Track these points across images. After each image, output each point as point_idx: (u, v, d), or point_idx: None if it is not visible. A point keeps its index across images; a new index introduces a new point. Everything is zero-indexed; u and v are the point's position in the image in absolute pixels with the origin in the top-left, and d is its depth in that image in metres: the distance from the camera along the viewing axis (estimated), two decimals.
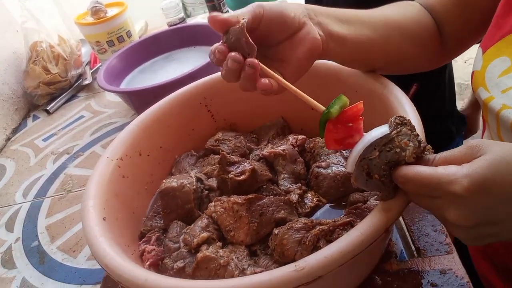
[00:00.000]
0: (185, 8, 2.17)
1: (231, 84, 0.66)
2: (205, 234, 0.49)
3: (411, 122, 0.36)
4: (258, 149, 0.63)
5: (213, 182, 0.59)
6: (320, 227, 0.45)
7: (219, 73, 0.69)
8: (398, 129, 0.35)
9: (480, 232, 0.33)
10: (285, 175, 0.57)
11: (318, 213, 0.53)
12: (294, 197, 0.53)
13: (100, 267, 0.64)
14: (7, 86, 1.11)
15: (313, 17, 0.46)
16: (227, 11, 1.14)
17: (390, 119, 0.37)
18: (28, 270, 0.67)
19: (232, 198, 0.51)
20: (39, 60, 1.11)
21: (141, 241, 0.53)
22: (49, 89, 1.12)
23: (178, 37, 1.05)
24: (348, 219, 0.45)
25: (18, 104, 1.13)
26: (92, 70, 1.22)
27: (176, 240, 0.51)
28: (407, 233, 0.54)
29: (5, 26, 1.14)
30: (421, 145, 0.35)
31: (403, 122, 0.36)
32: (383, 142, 0.36)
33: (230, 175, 0.54)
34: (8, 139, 1.05)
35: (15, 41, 1.16)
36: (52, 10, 1.25)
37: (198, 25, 1.05)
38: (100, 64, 1.22)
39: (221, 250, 0.47)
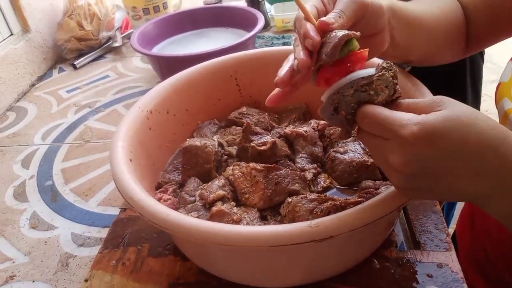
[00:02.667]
0: None
1: (263, 63, 0.70)
2: (221, 192, 0.52)
3: (397, 71, 0.37)
4: (280, 128, 0.66)
5: (232, 151, 0.62)
6: (332, 202, 0.47)
7: (253, 50, 0.72)
8: (381, 73, 0.36)
9: (417, 184, 0.34)
10: (303, 155, 0.60)
11: (328, 194, 0.56)
12: (308, 175, 0.56)
13: (108, 213, 0.67)
14: (39, 34, 1.13)
15: (390, 21, 0.46)
16: (263, 1, 1.17)
17: (379, 63, 0.38)
18: (40, 205, 0.69)
19: (251, 164, 0.53)
20: (75, 15, 1.14)
21: (158, 191, 0.56)
22: (80, 44, 1.15)
23: (213, 16, 1.08)
24: (359, 199, 0.48)
25: (46, 54, 1.16)
26: (122, 35, 1.25)
27: (192, 194, 0.54)
28: (409, 228, 0.56)
29: None
30: (395, 94, 0.37)
31: (389, 67, 0.37)
32: (362, 83, 0.37)
33: (252, 144, 0.56)
34: (33, 85, 1.08)
35: None
36: None
37: (234, 8, 1.08)
38: (132, 30, 1.25)
39: (235, 208, 0.50)
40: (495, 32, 0.58)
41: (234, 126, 0.67)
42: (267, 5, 1.23)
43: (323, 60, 0.38)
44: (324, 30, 0.40)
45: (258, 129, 0.60)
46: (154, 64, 0.93)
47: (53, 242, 0.62)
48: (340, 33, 0.38)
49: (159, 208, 0.41)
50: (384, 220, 0.40)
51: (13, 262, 0.60)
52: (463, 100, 0.92)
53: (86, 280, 0.53)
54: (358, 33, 0.38)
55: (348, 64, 0.38)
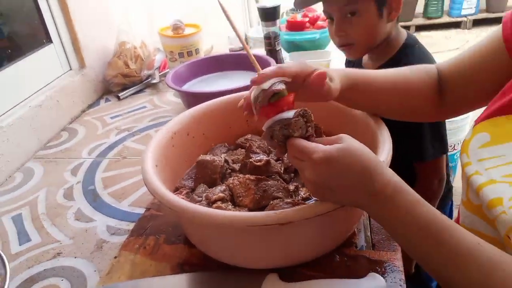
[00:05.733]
0: (247, 41, 2.44)
1: None
2: (221, 194, 0.67)
3: (311, 116, 0.54)
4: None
5: (236, 167, 0.78)
6: (303, 205, 0.62)
7: None
8: (297, 119, 0.54)
9: (322, 191, 0.50)
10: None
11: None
12: (291, 187, 0.71)
13: (136, 212, 0.83)
14: (93, 70, 1.37)
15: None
16: (280, 49, 1.37)
17: (298, 109, 0.54)
18: (83, 203, 0.87)
19: (247, 176, 0.69)
20: (122, 56, 1.37)
21: (175, 192, 0.72)
22: (124, 80, 1.37)
23: (236, 61, 1.28)
24: None
25: (96, 87, 1.38)
26: (160, 74, 1.47)
27: (200, 196, 0.70)
28: (369, 234, 0.70)
29: (102, 26, 1.42)
30: (307, 134, 0.54)
31: (304, 114, 0.54)
32: (284, 123, 0.54)
33: (251, 160, 0.73)
34: (84, 111, 1.30)
35: (107, 37, 1.43)
36: (142, 20, 1.53)
37: (253, 55, 1.27)
38: (168, 70, 1.47)
39: (230, 206, 0.66)
40: (468, 100, 0.67)
41: (240, 149, 0.84)
42: (284, 53, 1.43)
43: (258, 104, 0.56)
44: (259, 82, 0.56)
45: (258, 150, 0.77)
46: (183, 98, 1.13)
47: (92, 231, 0.79)
48: (268, 85, 0.55)
49: (173, 198, 0.58)
50: (334, 216, 0.55)
51: (60, 243, 0.77)
52: (420, 137, 1.02)
53: (115, 257, 0.70)
54: (282, 88, 0.55)
55: (279, 106, 0.55)
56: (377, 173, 0.48)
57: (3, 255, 0.65)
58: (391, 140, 0.64)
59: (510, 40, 0.58)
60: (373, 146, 0.64)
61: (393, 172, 0.50)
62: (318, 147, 0.49)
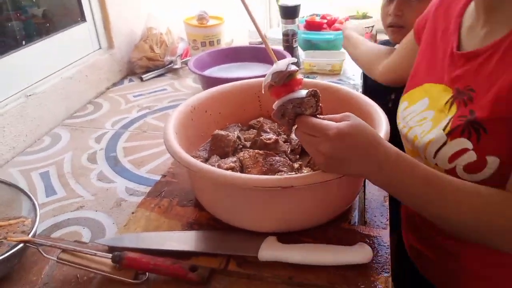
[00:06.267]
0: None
1: None
2: (232, 164, 0.75)
3: (319, 96, 0.60)
4: (285, 135, 0.89)
5: (247, 144, 0.86)
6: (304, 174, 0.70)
7: None
8: (309, 98, 0.59)
9: (332, 163, 0.57)
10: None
11: None
12: (296, 165, 0.79)
13: (153, 178, 0.91)
14: (120, 51, 1.45)
15: None
16: (297, 47, 1.44)
17: (309, 89, 0.60)
18: (105, 167, 0.96)
19: (256, 150, 0.77)
20: (148, 40, 1.45)
21: None
22: (148, 63, 1.46)
23: (254, 53, 1.36)
24: None
25: (121, 67, 1.47)
26: (182, 61, 1.56)
27: (213, 165, 0.77)
28: (363, 212, 0.77)
29: (132, 10, 1.51)
30: (317, 112, 0.60)
31: (314, 94, 0.59)
32: (297, 102, 0.59)
33: (261, 137, 0.80)
34: (108, 88, 1.39)
35: (135, 22, 1.52)
36: (169, 9, 1.62)
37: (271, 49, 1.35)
38: (189, 57, 1.55)
39: None
40: (397, 74, 1.01)
41: (252, 130, 0.92)
42: (300, 51, 1.50)
43: (274, 83, 0.61)
44: None
45: (268, 130, 0.84)
46: (203, 83, 1.21)
47: (112, 190, 0.87)
48: (283, 66, 0.59)
49: (188, 157, 0.66)
50: (331, 186, 0.62)
51: (83, 198, 0.85)
52: None
53: (132, 213, 0.78)
54: (296, 69, 0.61)
55: (290, 86, 0.61)
56: (380, 145, 0.57)
57: (35, 200, 0.73)
58: (388, 123, 0.71)
59: (416, 30, 0.89)
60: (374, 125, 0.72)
61: (390, 143, 0.59)
62: (331, 124, 0.57)
